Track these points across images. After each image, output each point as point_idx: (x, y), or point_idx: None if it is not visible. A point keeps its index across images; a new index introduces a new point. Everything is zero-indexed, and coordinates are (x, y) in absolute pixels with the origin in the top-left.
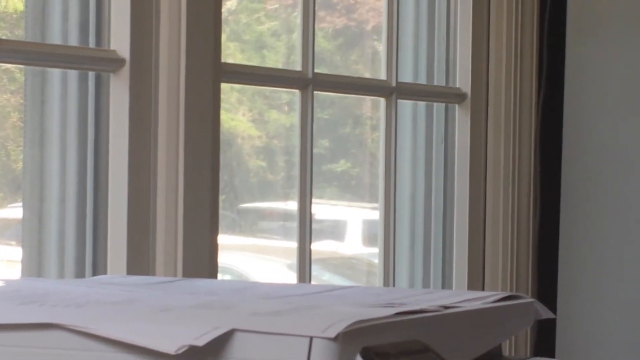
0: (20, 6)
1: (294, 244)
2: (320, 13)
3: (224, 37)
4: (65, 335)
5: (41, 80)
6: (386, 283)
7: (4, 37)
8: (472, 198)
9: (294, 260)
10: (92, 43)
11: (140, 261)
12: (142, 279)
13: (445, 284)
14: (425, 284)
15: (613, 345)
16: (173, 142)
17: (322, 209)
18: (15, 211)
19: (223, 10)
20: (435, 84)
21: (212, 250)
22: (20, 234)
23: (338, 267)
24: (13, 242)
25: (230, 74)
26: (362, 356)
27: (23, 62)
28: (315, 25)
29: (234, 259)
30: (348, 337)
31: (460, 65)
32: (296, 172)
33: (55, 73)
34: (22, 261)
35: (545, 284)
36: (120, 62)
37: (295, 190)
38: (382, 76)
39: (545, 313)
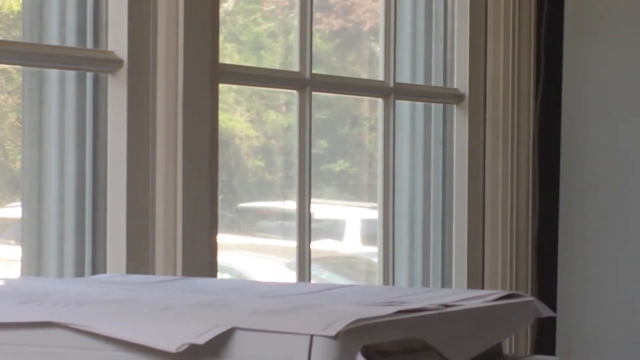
0: (17, 7)
1: (293, 243)
2: (317, 14)
3: (221, 38)
4: (65, 334)
5: (39, 81)
6: (386, 282)
7: (1, 38)
8: (470, 197)
9: (293, 259)
10: (89, 44)
11: (139, 260)
12: (141, 278)
13: (445, 282)
14: (425, 282)
15: (613, 343)
16: (171, 143)
17: (321, 209)
18: (14, 210)
19: (220, 11)
20: (433, 84)
21: (212, 249)
22: (19, 233)
23: (337, 266)
24: (12, 242)
25: (228, 74)
26: (363, 354)
27: (20, 63)
28: (313, 27)
29: (233, 258)
30: (348, 336)
31: (458, 66)
32: (294, 172)
33: (53, 74)
34: (22, 260)
35: (545, 282)
36: (118, 63)
37: (294, 190)
38: (380, 77)
39: (545, 311)
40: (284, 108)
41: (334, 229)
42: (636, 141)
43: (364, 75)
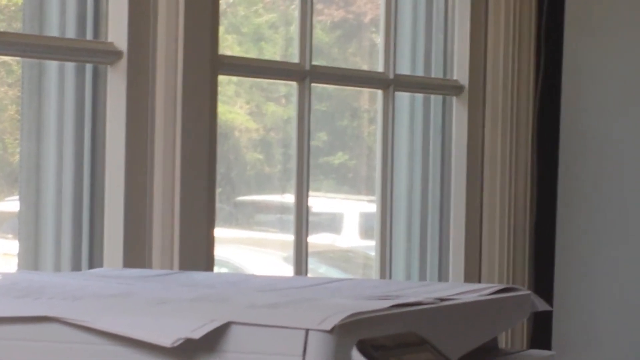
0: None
1: (290, 237)
2: (318, 5)
3: (221, 29)
4: (62, 328)
5: (38, 73)
6: (383, 276)
7: (1, 30)
8: (469, 190)
9: (290, 253)
10: (89, 35)
11: (136, 254)
12: (138, 272)
13: (442, 276)
14: (422, 276)
15: (609, 338)
16: (170, 135)
17: (319, 202)
18: (12, 204)
19: (221, 2)
20: (432, 76)
21: (209, 243)
22: (17, 227)
23: (335, 260)
24: (10, 236)
25: (227, 66)
26: (358, 349)
27: (20, 55)
28: (313, 18)
29: (230, 251)
30: (344, 330)
31: (458, 58)
32: (293, 164)
33: (52, 65)
34: (19, 254)
35: (542, 276)
36: (118, 54)
37: (292, 183)
38: (380, 68)
39: (542, 305)
40: (283, 100)
41: (332, 223)
42: (635, 135)
43: (365, 67)
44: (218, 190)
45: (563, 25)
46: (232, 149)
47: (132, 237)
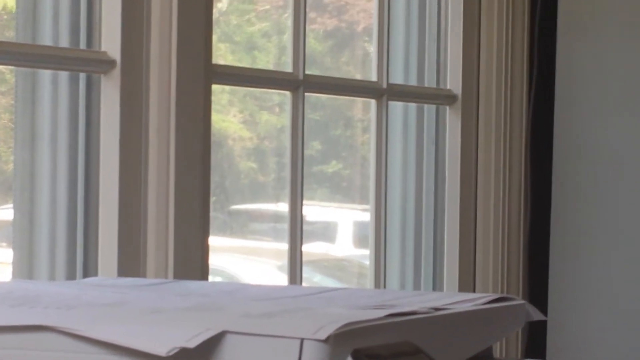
0: (11, 5)
1: (284, 246)
2: (311, 14)
3: (214, 38)
4: (57, 337)
5: (32, 82)
6: (377, 285)
7: None
8: (462, 199)
9: (284, 261)
10: (83, 44)
11: (131, 263)
12: (133, 281)
13: (436, 285)
14: (416, 285)
15: (603, 348)
16: (164, 144)
17: (313, 211)
18: (6, 213)
19: (214, 11)
20: (426, 85)
21: (203, 252)
22: (11, 235)
23: (329, 269)
24: (4, 244)
25: (221, 75)
26: (353, 358)
27: (14, 64)
28: (306, 27)
29: (224, 260)
30: (339, 339)
31: (451, 67)
32: (287, 173)
33: (46, 74)
34: (13, 263)
35: (536, 285)
36: (111, 63)
37: (286, 192)
38: (373, 77)
39: (536, 315)
40: (277, 109)
41: (326, 232)
42: (629, 143)
43: (357, 76)
44: (212, 199)
45: (556, 33)
46: (225, 158)
47: (126, 246)
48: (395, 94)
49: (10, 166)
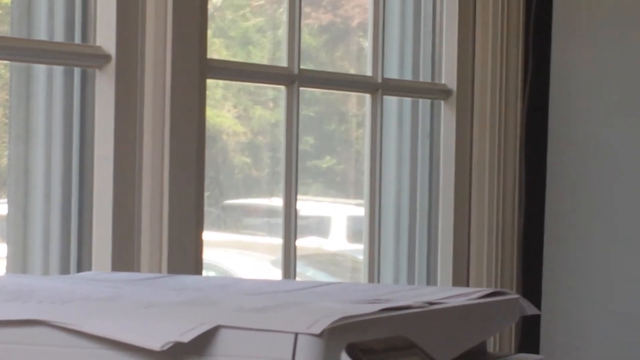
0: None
1: (278, 240)
2: (305, 9)
3: (209, 33)
4: (51, 331)
5: (26, 76)
6: (371, 279)
7: None
8: (457, 194)
9: (278, 256)
10: (77, 39)
11: (125, 257)
12: (127, 275)
13: (430, 280)
14: (410, 280)
15: (597, 342)
16: (158, 138)
17: (307, 205)
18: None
19: (209, 6)
20: (421, 80)
21: (197, 246)
22: (5, 230)
23: (323, 264)
24: None
25: (216, 70)
26: (348, 352)
27: (8, 58)
28: (301, 22)
29: (218, 255)
30: (333, 333)
31: (446, 62)
32: (281, 168)
33: (40, 69)
34: (7, 257)
35: (530, 280)
36: (106, 58)
37: (280, 187)
38: (368, 72)
39: (530, 309)
40: (271, 104)
41: (320, 226)
42: (623, 138)
43: (352, 71)
44: (206, 194)
45: (551, 29)
46: (220, 153)
47: (120, 240)
48: (390, 89)
49: (5, 161)
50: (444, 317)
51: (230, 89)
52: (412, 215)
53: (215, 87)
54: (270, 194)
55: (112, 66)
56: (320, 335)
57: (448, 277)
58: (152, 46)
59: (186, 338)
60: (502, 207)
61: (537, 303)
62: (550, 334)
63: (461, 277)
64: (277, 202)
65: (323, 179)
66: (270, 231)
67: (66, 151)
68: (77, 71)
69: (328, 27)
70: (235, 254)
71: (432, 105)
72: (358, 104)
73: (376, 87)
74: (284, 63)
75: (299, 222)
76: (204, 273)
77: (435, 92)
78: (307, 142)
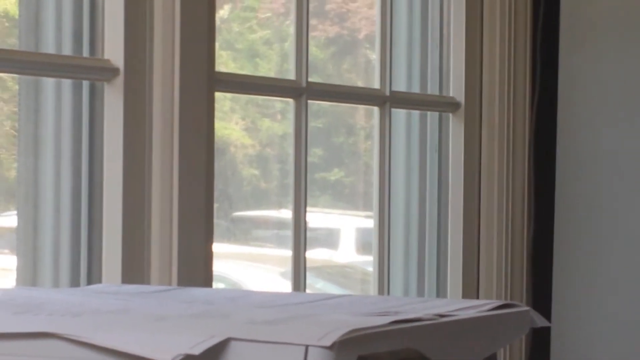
0: (14, 12)
1: (288, 252)
2: (313, 21)
3: (216, 45)
4: (61, 344)
5: (35, 89)
6: (381, 291)
7: None
8: (466, 206)
9: (288, 268)
10: (86, 52)
11: (135, 270)
12: (137, 288)
13: (440, 292)
14: (420, 292)
15: (607, 354)
16: (167, 151)
17: (316, 217)
18: (9, 219)
19: (215, 19)
20: (428, 92)
21: (207, 258)
22: (15, 242)
23: (332, 276)
24: (7, 251)
25: (224, 83)
26: None
27: (17, 72)
28: (309, 34)
29: (228, 267)
30: (344, 346)
31: (454, 74)
32: (290, 180)
33: (49, 82)
34: (17, 270)
35: (540, 292)
36: (114, 71)
37: (289, 199)
38: (376, 85)
39: (540, 321)
40: (279, 116)
41: (329, 238)
42: (632, 149)
43: (360, 83)
44: (215, 206)
45: (558, 40)
46: (228, 165)
47: (130, 253)
48: (398, 101)
49: (14, 173)
50: (454, 329)
51: (238, 101)
52: (421, 227)
53: (223, 100)
54: (279, 205)
55: (120, 79)
56: (330, 348)
57: (458, 289)
58: (160, 59)
59: (197, 350)
60: (512, 219)
61: (547, 315)
62: (560, 346)
63: (471, 289)
64: (286, 214)
65: (332, 191)
66: (279, 243)
67: (75, 163)
68: (85, 84)
69: (335, 39)
70: (245, 266)
71: (440, 117)
72: (366, 116)
73: (384, 100)
74: (291, 75)
75: (309, 234)
76: (214, 285)
77: (443, 104)
78: (315, 154)
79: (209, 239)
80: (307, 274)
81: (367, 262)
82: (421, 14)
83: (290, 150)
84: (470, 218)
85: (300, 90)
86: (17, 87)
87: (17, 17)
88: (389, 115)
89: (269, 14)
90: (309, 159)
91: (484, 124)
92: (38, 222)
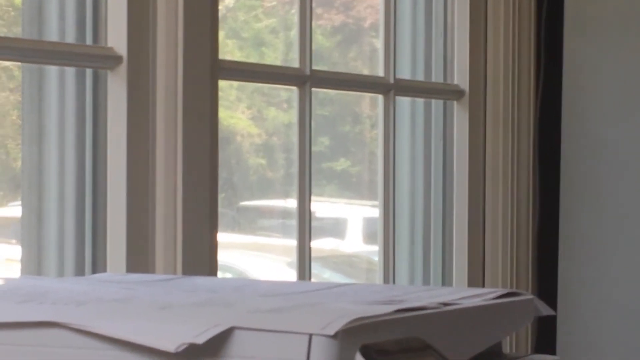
0: (17, 1)
1: (293, 242)
2: (317, 10)
3: (222, 34)
4: (65, 333)
5: (38, 78)
6: (386, 280)
7: (1, 35)
8: (471, 195)
9: (293, 258)
10: (89, 40)
11: (139, 259)
12: (141, 277)
13: (445, 280)
14: (425, 281)
15: (613, 342)
16: (171, 140)
17: (322, 207)
18: (14, 209)
19: (221, 7)
20: (433, 80)
21: (212, 248)
22: (20, 232)
23: (338, 265)
24: (13, 241)
25: (228, 71)
26: (362, 353)
27: (20, 60)
28: (313, 23)
29: (233, 257)
30: (347, 335)
31: (458, 62)
32: (295, 169)
33: (52, 70)
34: (22, 260)
35: (545, 280)
36: (118, 59)
37: (295, 188)
38: (380, 73)
39: (545, 310)
40: (285, 105)
41: (335, 228)
42: (636, 138)
43: (365, 71)
44: (220, 196)
45: (563, 29)
46: (234, 154)
47: (135, 242)
48: (402, 89)
49: (19, 163)
50: (458, 318)
51: (244, 90)
52: (426, 216)
53: (229, 89)
54: (286, 195)
55: (123, 67)
56: (334, 336)
57: (463, 278)
58: (163, 47)
59: (201, 339)
60: (517, 207)
61: (553, 303)
62: (566, 335)
63: (476, 277)
64: (292, 203)
65: (338, 180)
66: (285, 232)
67: (79, 152)
68: (89, 72)
69: (340, 28)
70: (250, 255)
71: (444, 105)
72: (372, 104)
73: (388, 88)
74: (296, 64)
75: (315, 223)
76: (219, 274)
77: (447, 92)
78: (322, 143)
79: (213, 228)
80: (314, 264)
81: (374, 251)
82: (425, 2)
83: (296, 138)
84: (475, 206)
85: (303, 78)
86: (20, 75)
87: (20, 5)
88: (393, 103)
89: (274, 3)
90: (316, 149)
91: (489, 112)
92: (42, 212)
